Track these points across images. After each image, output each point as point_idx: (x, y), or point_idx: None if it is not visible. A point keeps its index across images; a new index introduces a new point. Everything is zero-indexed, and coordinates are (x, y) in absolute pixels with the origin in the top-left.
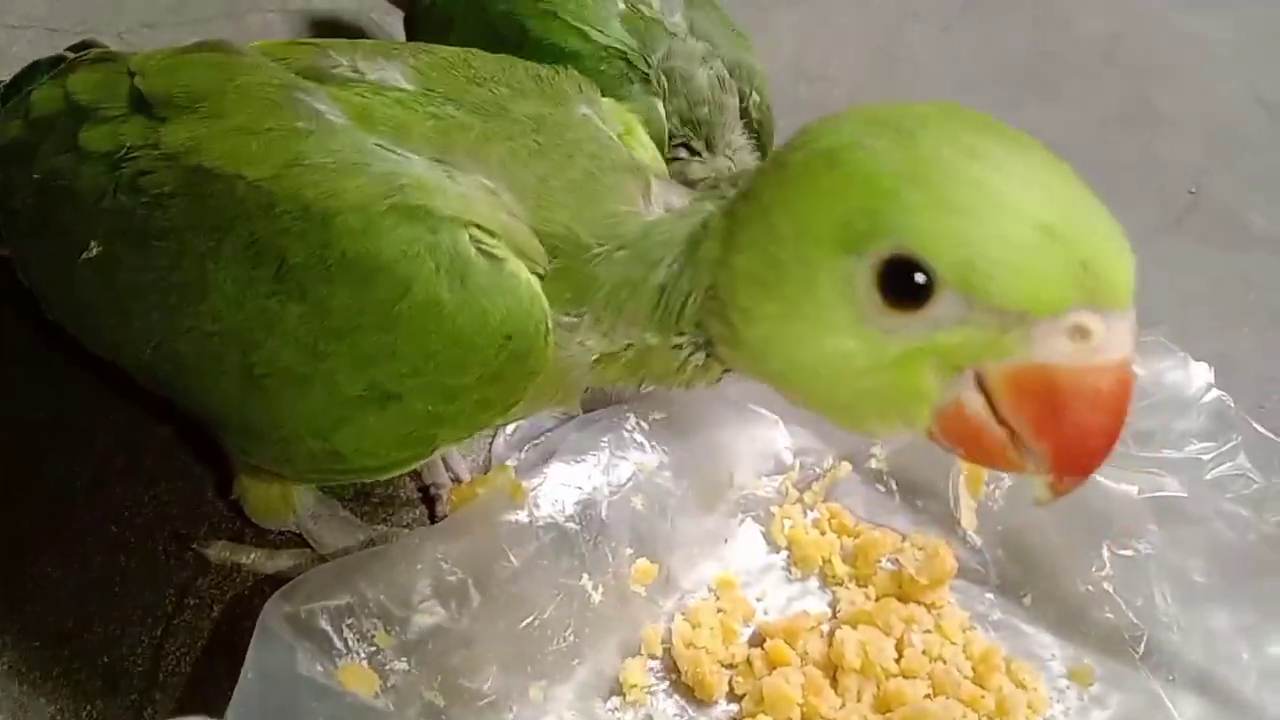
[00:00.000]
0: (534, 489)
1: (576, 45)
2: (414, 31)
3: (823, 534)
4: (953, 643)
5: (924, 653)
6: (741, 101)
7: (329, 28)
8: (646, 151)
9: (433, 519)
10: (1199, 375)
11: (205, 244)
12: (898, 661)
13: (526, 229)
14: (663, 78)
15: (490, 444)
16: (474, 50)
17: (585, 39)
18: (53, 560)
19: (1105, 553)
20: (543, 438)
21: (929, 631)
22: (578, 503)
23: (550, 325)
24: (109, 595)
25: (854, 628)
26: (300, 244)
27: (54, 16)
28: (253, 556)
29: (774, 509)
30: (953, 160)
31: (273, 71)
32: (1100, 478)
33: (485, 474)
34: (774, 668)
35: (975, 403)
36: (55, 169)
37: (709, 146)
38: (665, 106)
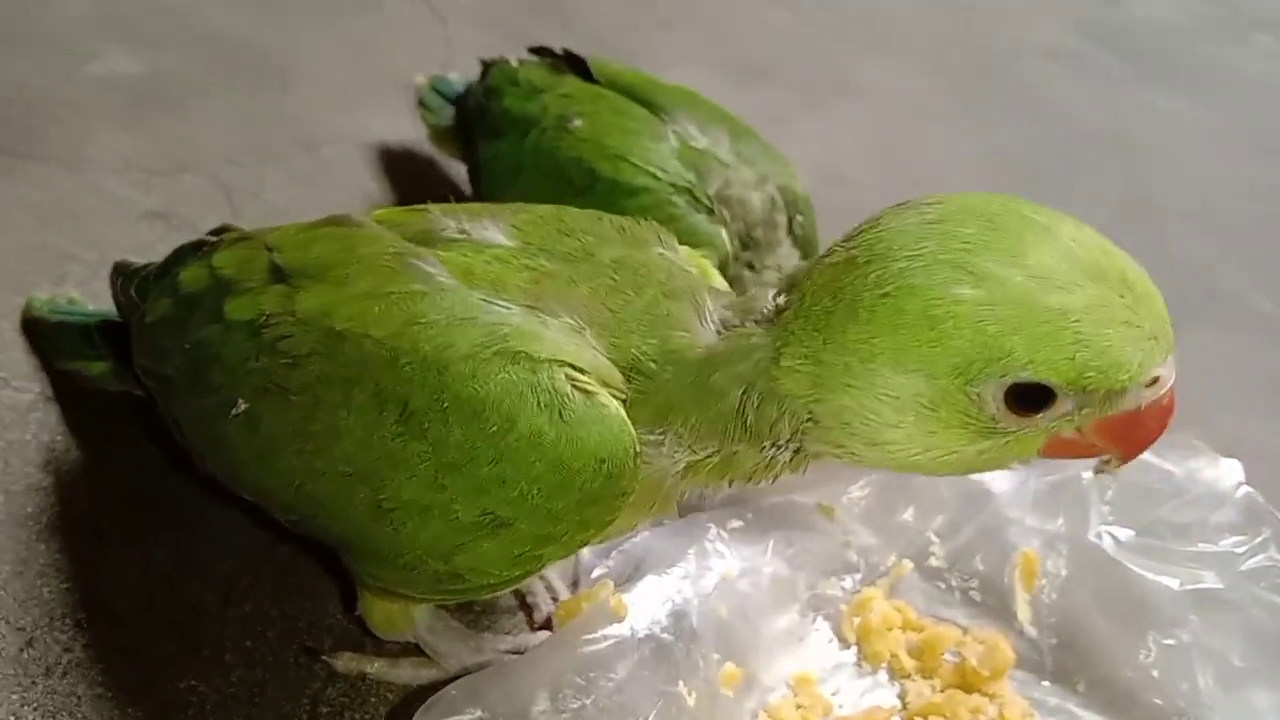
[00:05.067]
0: (632, 603)
1: (644, 182)
2: (478, 179)
3: (889, 630)
4: None
5: None
6: (789, 222)
7: (397, 157)
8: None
9: (531, 626)
10: (1230, 472)
11: (337, 396)
12: None
13: (607, 361)
14: (722, 207)
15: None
16: (567, 208)
17: (653, 178)
18: (196, 676)
19: (1150, 641)
20: (626, 544)
21: None
22: (671, 614)
23: (639, 447)
24: (249, 707)
25: (925, 719)
26: (420, 391)
27: (143, 155)
28: (376, 665)
29: (843, 607)
30: (1036, 295)
31: (389, 241)
32: (1143, 572)
33: (590, 590)
34: None
35: (1069, 432)
36: (204, 339)
37: (762, 263)
38: (727, 232)
